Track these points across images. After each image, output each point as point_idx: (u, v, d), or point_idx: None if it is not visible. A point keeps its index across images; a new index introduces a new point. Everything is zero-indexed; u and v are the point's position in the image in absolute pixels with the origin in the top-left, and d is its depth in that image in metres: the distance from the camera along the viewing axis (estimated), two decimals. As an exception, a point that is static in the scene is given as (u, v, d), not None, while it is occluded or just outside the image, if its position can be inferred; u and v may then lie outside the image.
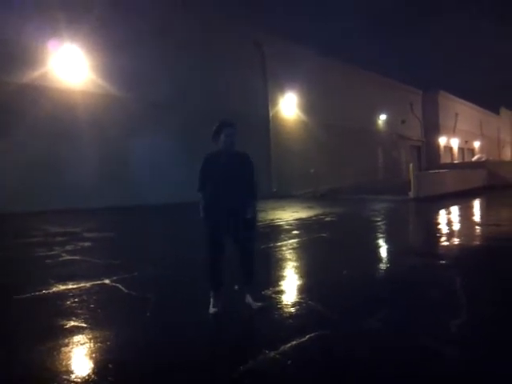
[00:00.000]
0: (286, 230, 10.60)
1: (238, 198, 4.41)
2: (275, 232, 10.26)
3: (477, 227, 11.01)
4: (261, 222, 11.59)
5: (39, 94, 14.52)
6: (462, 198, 18.66)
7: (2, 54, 13.59)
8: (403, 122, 36.88)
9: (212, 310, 4.36)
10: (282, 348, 3.50)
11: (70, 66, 15.41)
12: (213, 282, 4.44)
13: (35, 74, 14.56)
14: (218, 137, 4.38)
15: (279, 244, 8.40)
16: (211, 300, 4.41)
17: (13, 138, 13.51)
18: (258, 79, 22.97)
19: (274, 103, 23.80)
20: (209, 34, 20.00)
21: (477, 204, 17.97)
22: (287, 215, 13.60)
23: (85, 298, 4.99)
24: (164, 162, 17.03)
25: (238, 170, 4.44)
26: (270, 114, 23.46)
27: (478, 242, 8.95)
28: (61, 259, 7.27)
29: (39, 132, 14.32)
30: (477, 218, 13.70)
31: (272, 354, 3.41)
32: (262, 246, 7.86)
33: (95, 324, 4.18)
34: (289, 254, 7.54)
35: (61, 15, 14.55)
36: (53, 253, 7.77)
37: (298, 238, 9.37)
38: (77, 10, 15.04)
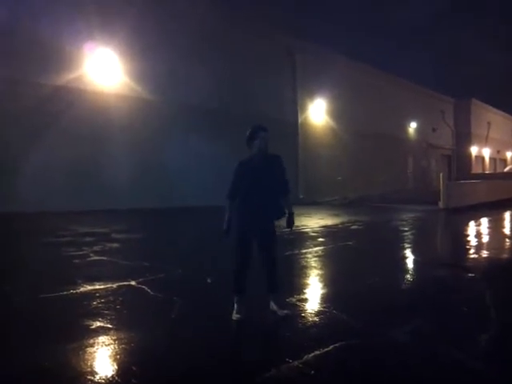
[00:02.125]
0: (312, 237, 10.54)
1: (270, 200, 4.44)
2: (300, 239, 10.21)
3: (507, 240, 10.76)
4: (286, 228, 11.55)
5: (74, 96, 14.82)
6: (493, 210, 18.24)
7: (39, 56, 13.92)
8: (434, 130, 36.34)
9: (235, 316, 4.35)
10: (306, 357, 3.47)
11: (104, 70, 15.71)
12: (237, 287, 4.44)
13: (70, 76, 14.87)
14: (252, 141, 4.42)
15: (304, 251, 8.36)
16: (235, 305, 4.42)
17: (48, 139, 13.81)
18: (288, 85, 22.96)
19: (303, 109, 23.74)
20: (242, 40, 20.12)
21: (508, 216, 17.54)
22: (313, 222, 13.53)
23: (111, 298, 5.06)
24: (196, 165, 17.17)
25: (271, 172, 4.46)
26: (299, 120, 23.41)
27: (507, 256, 8.74)
28: (88, 259, 7.39)
29: (73, 134, 14.60)
30: (507, 230, 13.37)
31: (295, 363, 3.38)
32: (287, 253, 7.84)
33: (120, 325, 4.23)
34: (314, 261, 7.50)
35: (96, 19, 14.83)
36: (81, 253, 7.91)
37: (324, 245, 9.31)
38: (112, 14, 15.32)
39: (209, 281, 4.57)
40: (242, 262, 4.42)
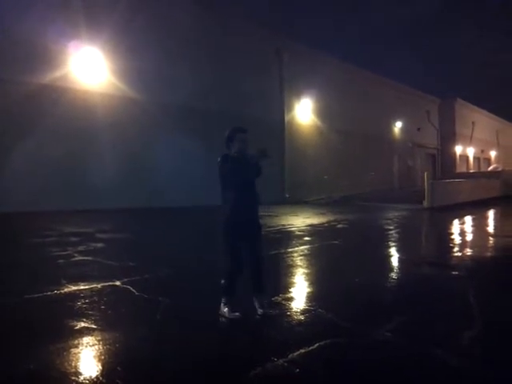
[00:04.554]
0: (298, 236, 10.57)
1: (255, 204, 4.47)
2: (286, 238, 10.25)
3: (491, 238, 10.88)
4: (272, 227, 11.59)
5: (59, 94, 14.71)
6: (477, 208, 18.46)
7: (24, 54, 13.80)
8: (419, 129, 36.65)
9: (232, 315, 4.35)
10: (291, 356, 3.49)
11: (89, 68, 15.60)
12: (230, 289, 4.45)
13: (56, 74, 14.76)
14: (232, 142, 4.41)
15: (290, 250, 8.38)
16: (226, 306, 4.42)
17: (33, 138, 13.67)
18: (275, 84, 23.00)
19: (290, 108, 23.80)
20: (229, 39, 20.11)
21: (491, 214, 17.75)
22: (299, 221, 13.57)
23: (96, 299, 5.03)
24: (182, 165, 17.11)
25: (252, 169, 4.45)
26: (286, 120, 23.45)
27: (491, 254, 8.84)
28: (73, 260, 7.33)
29: (59, 133, 14.49)
30: (491, 228, 13.54)
31: (280, 361, 3.40)
32: (273, 252, 7.86)
33: (105, 326, 4.20)
34: (299, 260, 7.52)
35: (81, 18, 14.74)
36: (66, 253, 7.84)
37: (310, 244, 9.34)
38: (97, 12, 15.22)
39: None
40: (236, 263, 4.41)
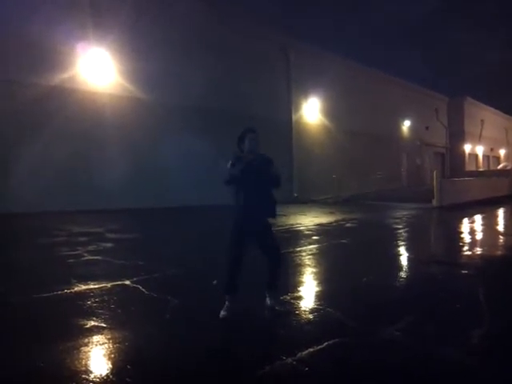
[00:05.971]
0: (306, 235, 10.56)
1: (263, 199, 4.52)
2: (295, 237, 10.24)
3: (500, 237, 10.82)
4: (281, 226, 11.57)
5: (67, 96, 14.76)
6: (487, 207, 18.35)
7: (32, 56, 13.87)
8: (427, 128, 36.44)
9: (222, 314, 4.37)
10: (299, 354, 3.50)
11: (97, 69, 15.66)
12: (230, 286, 4.47)
13: (64, 76, 14.81)
14: (243, 142, 4.53)
15: (298, 249, 8.38)
16: (226, 303, 4.43)
17: (41, 139, 13.74)
18: (282, 84, 22.98)
19: (297, 108, 23.76)
20: (236, 39, 20.11)
21: (501, 213, 17.63)
22: (307, 220, 13.55)
23: (105, 298, 5.06)
24: (190, 165, 17.12)
25: (264, 172, 4.51)
26: (293, 119, 23.42)
27: (501, 252, 8.78)
28: (83, 259, 7.38)
29: (67, 134, 14.54)
30: (501, 227, 13.45)
31: (289, 360, 3.40)
32: (282, 251, 7.83)
33: (115, 325, 4.23)
34: (308, 259, 7.52)
35: (89, 19, 14.81)
36: (75, 252, 7.89)
37: (318, 243, 9.33)
38: (105, 13, 15.28)
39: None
40: (234, 259, 4.45)
